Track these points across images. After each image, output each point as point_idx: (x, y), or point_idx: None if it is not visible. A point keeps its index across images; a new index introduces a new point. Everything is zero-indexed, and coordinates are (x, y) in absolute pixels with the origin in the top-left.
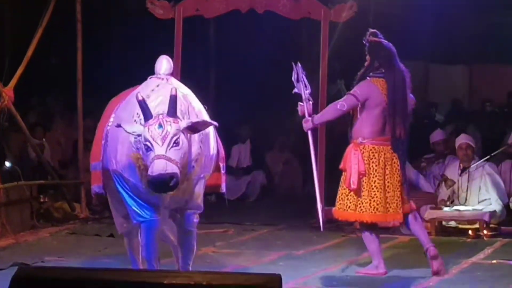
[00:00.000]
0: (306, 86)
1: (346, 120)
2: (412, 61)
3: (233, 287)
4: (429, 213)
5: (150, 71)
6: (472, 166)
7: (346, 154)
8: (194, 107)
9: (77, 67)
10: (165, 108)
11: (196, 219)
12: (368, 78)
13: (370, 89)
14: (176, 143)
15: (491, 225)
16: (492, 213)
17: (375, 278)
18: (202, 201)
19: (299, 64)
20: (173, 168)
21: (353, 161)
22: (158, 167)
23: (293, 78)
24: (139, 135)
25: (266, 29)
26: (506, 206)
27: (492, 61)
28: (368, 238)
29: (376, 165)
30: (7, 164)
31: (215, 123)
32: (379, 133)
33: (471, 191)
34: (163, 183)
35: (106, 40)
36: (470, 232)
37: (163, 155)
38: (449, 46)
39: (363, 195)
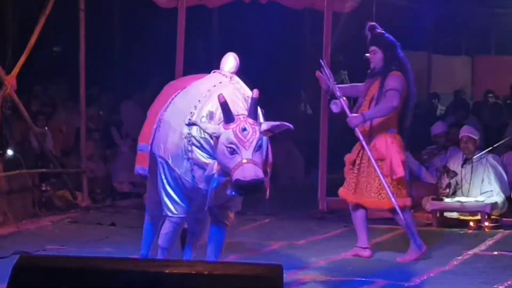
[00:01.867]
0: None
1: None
2: (415, 51)
3: (234, 277)
4: (431, 204)
5: (152, 60)
6: (474, 157)
7: (380, 145)
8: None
9: (79, 56)
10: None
11: (232, 215)
12: (393, 71)
13: (404, 83)
14: (260, 146)
15: (493, 217)
16: (494, 205)
17: (377, 267)
18: (240, 201)
19: (324, 62)
20: (261, 173)
21: (393, 150)
22: (250, 173)
23: (324, 76)
24: (217, 136)
25: (269, 20)
26: (508, 198)
27: (494, 52)
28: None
29: (404, 155)
30: (9, 152)
31: (291, 126)
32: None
33: (473, 182)
34: (255, 188)
35: (109, 29)
36: (471, 223)
37: (251, 159)
38: (452, 37)
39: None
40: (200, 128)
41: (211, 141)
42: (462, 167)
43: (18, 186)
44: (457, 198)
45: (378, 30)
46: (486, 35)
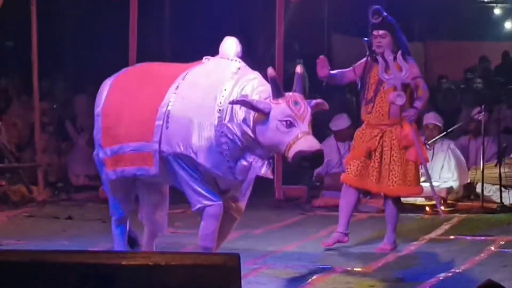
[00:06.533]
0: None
1: None
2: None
3: (191, 267)
4: None
5: (105, 51)
6: (429, 142)
7: (407, 131)
8: None
9: (32, 49)
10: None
11: (243, 206)
12: (409, 57)
13: None
14: (310, 122)
15: (448, 202)
16: (449, 190)
17: (333, 254)
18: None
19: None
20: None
21: (417, 135)
22: (313, 143)
23: (381, 69)
24: (267, 112)
25: (222, 8)
26: (465, 185)
27: (446, 38)
28: None
29: None
30: None
31: (327, 106)
32: None
33: (433, 168)
34: (320, 158)
35: (61, 22)
36: (427, 208)
37: (309, 131)
38: (403, 23)
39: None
40: (249, 104)
41: (245, 128)
42: None
43: None
44: None
45: (385, 14)
46: (438, 21)
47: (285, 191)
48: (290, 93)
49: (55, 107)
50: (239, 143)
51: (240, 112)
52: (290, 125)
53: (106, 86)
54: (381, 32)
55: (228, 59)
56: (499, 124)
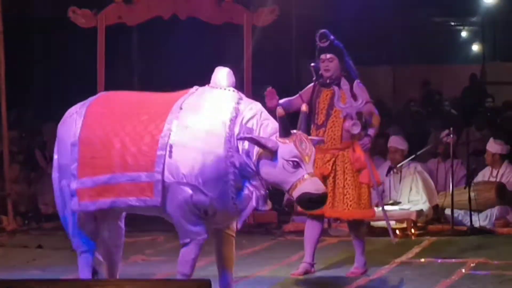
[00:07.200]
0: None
1: None
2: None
3: None
4: None
5: (74, 80)
6: (398, 165)
7: (360, 154)
8: None
9: None
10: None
11: (235, 225)
12: (357, 80)
13: None
14: (314, 160)
15: (419, 225)
16: (419, 212)
17: (305, 279)
18: None
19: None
20: None
21: (369, 157)
22: (320, 185)
23: (337, 98)
24: (275, 150)
25: (189, 35)
26: (434, 206)
27: (414, 61)
28: None
29: None
30: None
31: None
32: None
33: (402, 191)
34: (324, 201)
35: (29, 51)
36: (397, 231)
37: (314, 173)
38: (372, 48)
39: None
40: (258, 142)
41: (247, 161)
42: (386, 175)
43: None
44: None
45: (332, 37)
46: (406, 45)
47: (256, 217)
48: (296, 132)
49: (24, 135)
50: (240, 173)
51: (246, 144)
52: (296, 165)
53: (77, 115)
54: (328, 56)
55: (223, 89)
56: (468, 147)
